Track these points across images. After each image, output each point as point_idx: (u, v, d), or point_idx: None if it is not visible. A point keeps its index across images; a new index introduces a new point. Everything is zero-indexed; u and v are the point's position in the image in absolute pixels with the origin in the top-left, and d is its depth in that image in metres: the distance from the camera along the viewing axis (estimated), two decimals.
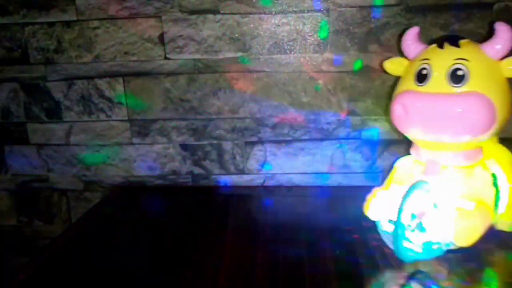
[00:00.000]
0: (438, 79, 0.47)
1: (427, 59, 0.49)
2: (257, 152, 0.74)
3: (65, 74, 0.73)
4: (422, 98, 0.47)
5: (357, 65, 0.68)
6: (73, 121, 0.75)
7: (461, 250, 0.47)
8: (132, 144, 0.76)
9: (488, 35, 0.48)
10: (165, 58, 0.71)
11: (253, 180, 0.76)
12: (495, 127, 0.46)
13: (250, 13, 0.68)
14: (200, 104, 0.72)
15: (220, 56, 0.70)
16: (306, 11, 0.67)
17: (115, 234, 0.60)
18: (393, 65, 0.54)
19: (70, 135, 0.76)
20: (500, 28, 0.45)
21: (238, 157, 0.75)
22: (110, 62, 0.72)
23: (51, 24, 0.71)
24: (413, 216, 0.46)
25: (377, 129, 0.72)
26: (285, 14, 0.68)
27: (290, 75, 0.70)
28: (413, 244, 0.46)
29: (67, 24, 0.71)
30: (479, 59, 0.46)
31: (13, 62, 0.74)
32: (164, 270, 0.50)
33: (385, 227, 0.50)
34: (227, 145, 0.74)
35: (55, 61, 0.73)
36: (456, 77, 0.46)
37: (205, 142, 0.74)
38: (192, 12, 0.69)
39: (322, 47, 0.68)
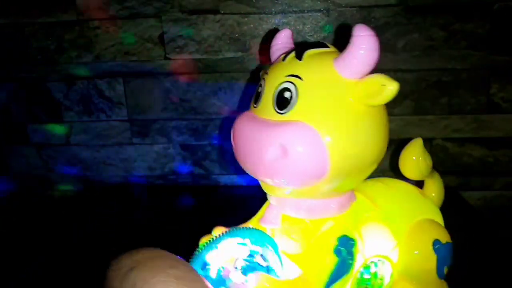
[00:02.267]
0: (267, 101, 0.33)
1: (266, 73, 0.35)
2: None
3: (65, 74, 0.73)
4: (240, 125, 0.35)
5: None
6: (73, 121, 0.76)
7: None
8: (132, 144, 0.76)
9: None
10: (165, 58, 0.71)
11: (253, 180, 0.75)
12: (333, 174, 0.31)
13: (250, 13, 0.68)
14: (200, 104, 0.72)
15: (220, 56, 0.70)
16: (306, 11, 0.67)
17: (115, 234, 0.60)
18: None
19: (70, 135, 0.76)
20: (357, 35, 0.31)
21: None
22: (110, 62, 0.72)
23: (51, 24, 0.71)
24: (219, 271, 0.33)
25: None
26: (285, 14, 0.68)
27: None
28: None
29: (67, 24, 0.71)
30: (321, 78, 0.32)
31: (13, 62, 0.74)
32: None
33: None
34: (227, 145, 0.74)
35: (55, 61, 0.73)
36: (282, 100, 0.32)
37: (205, 142, 0.74)
38: (192, 12, 0.69)
39: None
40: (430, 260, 0.36)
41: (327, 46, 0.34)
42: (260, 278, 0.32)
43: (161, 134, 0.75)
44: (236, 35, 0.69)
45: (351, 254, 0.33)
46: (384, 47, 0.69)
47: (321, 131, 0.30)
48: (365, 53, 0.31)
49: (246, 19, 0.68)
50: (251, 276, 0.32)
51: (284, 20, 0.68)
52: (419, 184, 0.43)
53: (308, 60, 0.33)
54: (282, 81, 0.32)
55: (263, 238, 0.34)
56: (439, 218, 0.41)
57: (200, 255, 0.33)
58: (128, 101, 0.74)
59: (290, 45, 0.38)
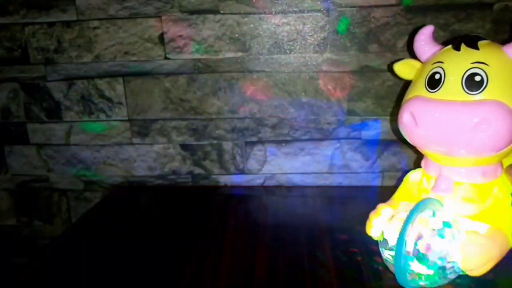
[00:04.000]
0: (453, 85, 0.41)
1: (440, 62, 0.43)
2: (257, 152, 0.74)
3: (65, 74, 0.73)
4: (433, 106, 0.41)
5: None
6: (73, 121, 0.76)
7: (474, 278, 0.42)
8: (132, 144, 0.76)
9: (509, 37, 0.46)
10: (165, 58, 0.71)
11: (253, 180, 0.76)
12: None
13: (250, 13, 0.68)
14: (200, 104, 0.72)
15: (220, 56, 0.70)
16: (306, 11, 0.67)
17: (115, 234, 0.60)
18: (404, 68, 0.49)
19: (70, 135, 0.76)
20: None
21: (238, 157, 0.75)
22: (110, 62, 0.72)
23: (51, 24, 0.71)
24: (416, 244, 0.40)
25: (377, 129, 0.72)
26: (285, 14, 0.68)
27: (290, 75, 0.70)
28: (416, 274, 0.41)
29: (67, 24, 0.71)
30: (500, 63, 0.40)
31: (13, 62, 0.74)
32: (164, 270, 0.50)
33: (387, 253, 0.44)
34: (227, 145, 0.74)
35: (55, 61, 0.73)
36: (473, 83, 0.40)
37: (205, 142, 0.74)
38: (192, 12, 0.69)
39: (322, 47, 0.68)
40: None
41: (485, 38, 0.44)
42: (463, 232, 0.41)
43: (161, 134, 0.75)
44: (236, 35, 0.69)
45: None
46: (384, 47, 0.70)
47: None
48: None
49: (246, 19, 0.68)
50: (451, 232, 0.40)
51: (284, 20, 0.68)
52: None
53: (484, 49, 0.42)
54: (469, 67, 0.40)
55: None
56: None
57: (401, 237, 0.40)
58: (128, 101, 0.74)
59: (432, 40, 0.47)
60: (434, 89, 0.42)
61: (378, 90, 0.69)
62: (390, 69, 0.66)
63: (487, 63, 0.40)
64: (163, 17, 0.69)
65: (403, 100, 0.47)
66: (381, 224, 0.46)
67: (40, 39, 0.72)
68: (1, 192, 0.81)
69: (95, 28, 0.70)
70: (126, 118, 0.74)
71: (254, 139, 0.73)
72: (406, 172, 0.73)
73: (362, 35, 0.67)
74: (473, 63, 0.40)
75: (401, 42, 0.67)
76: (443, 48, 0.46)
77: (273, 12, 0.68)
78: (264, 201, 0.69)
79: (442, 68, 0.42)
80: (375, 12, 0.66)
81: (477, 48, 0.42)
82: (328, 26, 0.68)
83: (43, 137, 0.77)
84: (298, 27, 0.68)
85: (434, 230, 0.40)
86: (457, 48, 0.43)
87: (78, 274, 0.51)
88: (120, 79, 0.73)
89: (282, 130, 0.73)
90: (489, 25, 0.65)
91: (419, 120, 0.42)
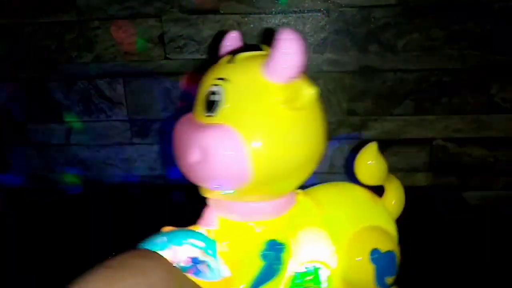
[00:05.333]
0: (199, 103, 0.34)
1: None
2: None
3: (65, 74, 0.73)
4: (176, 126, 0.35)
5: None
6: (73, 121, 0.76)
7: None
8: (132, 144, 0.76)
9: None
10: (165, 58, 0.71)
11: None
12: (258, 179, 0.31)
13: (250, 13, 0.68)
14: None
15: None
16: (306, 11, 0.67)
17: (115, 234, 0.60)
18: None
19: (70, 135, 0.76)
20: (280, 38, 0.30)
21: None
22: (110, 62, 0.72)
23: (51, 24, 0.71)
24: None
25: (377, 129, 0.72)
26: (285, 14, 0.68)
27: None
28: None
29: (67, 24, 0.71)
30: (248, 81, 0.31)
31: (13, 62, 0.74)
32: None
33: None
34: None
35: (55, 61, 0.73)
36: (209, 102, 0.32)
37: None
38: (192, 12, 0.69)
39: (322, 47, 0.68)
40: (367, 270, 0.36)
41: (261, 49, 0.35)
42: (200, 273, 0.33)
43: (161, 134, 0.75)
44: None
45: (279, 259, 0.33)
46: (384, 47, 0.70)
47: (245, 134, 0.30)
48: (289, 57, 0.30)
49: (246, 19, 0.68)
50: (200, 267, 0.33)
51: (284, 20, 0.68)
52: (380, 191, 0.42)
53: (239, 63, 0.33)
54: (211, 84, 0.32)
55: (201, 239, 0.35)
56: (389, 226, 0.40)
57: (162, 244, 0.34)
58: (128, 101, 0.74)
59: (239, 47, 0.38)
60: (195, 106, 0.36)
61: (378, 90, 0.69)
62: (391, 69, 0.66)
63: (229, 79, 0.32)
64: (163, 17, 0.69)
65: None
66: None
67: (40, 39, 0.72)
68: (1, 192, 0.81)
69: (95, 28, 0.70)
70: (126, 118, 0.74)
71: None
72: (406, 172, 0.74)
73: (362, 35, 0.67)
74: (216, 78, 0.32)
75: (401, 42, 0.67)
76: None
77: (273, 12, 0.68)
78: None
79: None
80: (375, 12, 0.66)
81: (232, 61, 0.34)
82: (328, 26, 0.68)
83: (43, 137, 0.77)
84: (298, 27, 0.68)
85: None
86: (231, 59, 0.34)
87: (78, 274, 0.51)
88: (120, 79, 0.73)
89: None
90: (489, 25, 0.65)
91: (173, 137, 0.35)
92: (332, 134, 0.72)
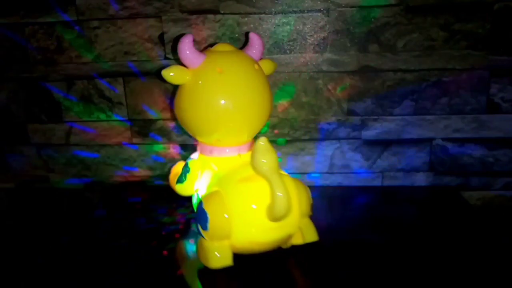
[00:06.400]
0: None
1: None
2: None
3: (65, 74, 0.73)
4: None
5: None
6: (73, 121, 0.76)
7: None
8: (132, 144, 0.76)
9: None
10: (165, 58, 0.71)
11: None
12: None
13: (250, 13, 0.68)
14: None
15: None
16: (306, 11, 0.67)
17: (115, 234, 0.60)
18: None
19: (70, 135, 0.76)
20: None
21: None
22: (110, 62, 0.72)
23: (51, 24, 0.71)
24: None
25: (377, 129, 0.72)
26: (285, 14, 0.68)
27: (290, 75, 0.70)
28: None
29: (67, 24, 0.71)
30: None
31: (13, 62, 0.74)
32: (164, 270, 0.50)
33: None
34: None
35: (55, 61, 0.73)
36: None
37: None
38: (192, 12, 0.69)
39: (322, 47, 0.68)
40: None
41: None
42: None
43: (161, 134, 0.75)
44: (236, 35, 0.69)
45: (186, 172, 0.57)
46: (384, 47, 0.70)
47: None
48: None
49: (246, 19, 0.68)
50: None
51: (284, 20, 0.68)
52: None
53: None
54: None
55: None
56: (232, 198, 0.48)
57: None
58: (128, 101, 0.74)
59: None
60: None
61: (378, 90, 0.69)
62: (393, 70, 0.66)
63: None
64: (163, 17, 0.69)
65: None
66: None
67: (40, 39, 0.72)
68: (1, 192, 0.81)
69: (95, 28, 0.70)
70: (126, 118, 0.74)
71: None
72: (406, 172, 0.74)
73: (362, 35, 0.67)
74: None
75: (401, 42, 0.67)
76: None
77: (273, 12, 0.68)
78: None
79: None
80: (375, 12, 0.66)
81: None
82: (328, 26, 0.68)
83: (43, 137, 0.77)
84: (298, 27, 0.68)
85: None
86: None
87: (78, 274, 0.51)
88: (120, 79, 0.73)
89: (282, 130, 0.73)
90: (489, 25, 0.65)
91: None
92: (332, 134, 0.72)
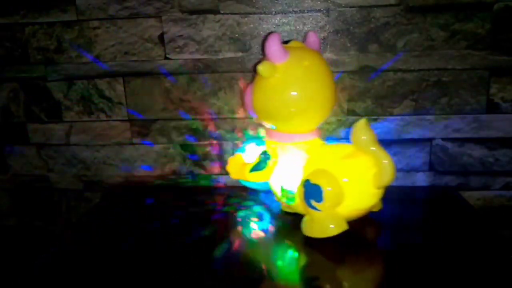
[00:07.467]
0: None
1: None
2: None
3: (65, 74, 0.73)
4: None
5: None
6: (73, 121, 0.76)
7: None
8: (132, 144, 0.76)
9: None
10: (165, 58, 0.71)
11: None
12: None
13: (250, 13, 0.68)
14: (200, 104, 0.72)
15: (220, 56, 0.70)
16: (306, 11, 0.67)
17: (115, 234, 0.60)
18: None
19: (70, 135, 0.76)
20: None
21: None
22: (110, 62, 0.72)
23: (51, 24, 0.71)
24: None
25: (377, 129, 0.72)
26: (285, 14, 0.68)
27: None
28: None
29: (67, 24, 0.71)
30: None
31: (13, 62, 0.74)
32: (164, 270, 0.50)
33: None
34: (227, 145, 0.74)
35: (55, 61, 0.73)
36: None
37: (205, 142, 0.74)
38: (192, 12, 0.69)
39: (322, 47, 0.68)
40: (300, 191, 0.55)
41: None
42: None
43: (161, 134, 0.75)
44: (236, 35, 0.69)
45: (266, 159, 0.59)
46: (384, 47, 0.70)
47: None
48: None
49: (246, 19, 0.68)
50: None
51: (284, 20, 0.68)
52: None
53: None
54: None
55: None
56: (339, 172, 0.53)
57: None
58: (128, 101, 0.74)
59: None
60: None
61: (378, 90, 0.69)
62: (394, 69, 0.66)
63: None
64: (163, 17, 0.69)
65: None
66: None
67: (40, 39, 0.72)
68: (1, 192, 0.81)
69: (95, 28, 0.71)
70: (126, 118, 0.75)
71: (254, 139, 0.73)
72: (406, 172, 0.74)
73: (362, 35, 0.67)
74: None
75: (401, 42, 0.67)
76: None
77: (273, 12, 0.68)
78: (264, 201, 0.69)
79: None
80: (375, 12, 0.66)
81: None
82: (328, 26, 0.68)
83: (43, 137, 0.77)
84: (298, 27, 0.68)
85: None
86: None
87: (78, 274, 0.51)
88: (120, 79, 0.73)
89: None
90: (489, 25, 0.65)
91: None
92: (332, 134, 0.72)
